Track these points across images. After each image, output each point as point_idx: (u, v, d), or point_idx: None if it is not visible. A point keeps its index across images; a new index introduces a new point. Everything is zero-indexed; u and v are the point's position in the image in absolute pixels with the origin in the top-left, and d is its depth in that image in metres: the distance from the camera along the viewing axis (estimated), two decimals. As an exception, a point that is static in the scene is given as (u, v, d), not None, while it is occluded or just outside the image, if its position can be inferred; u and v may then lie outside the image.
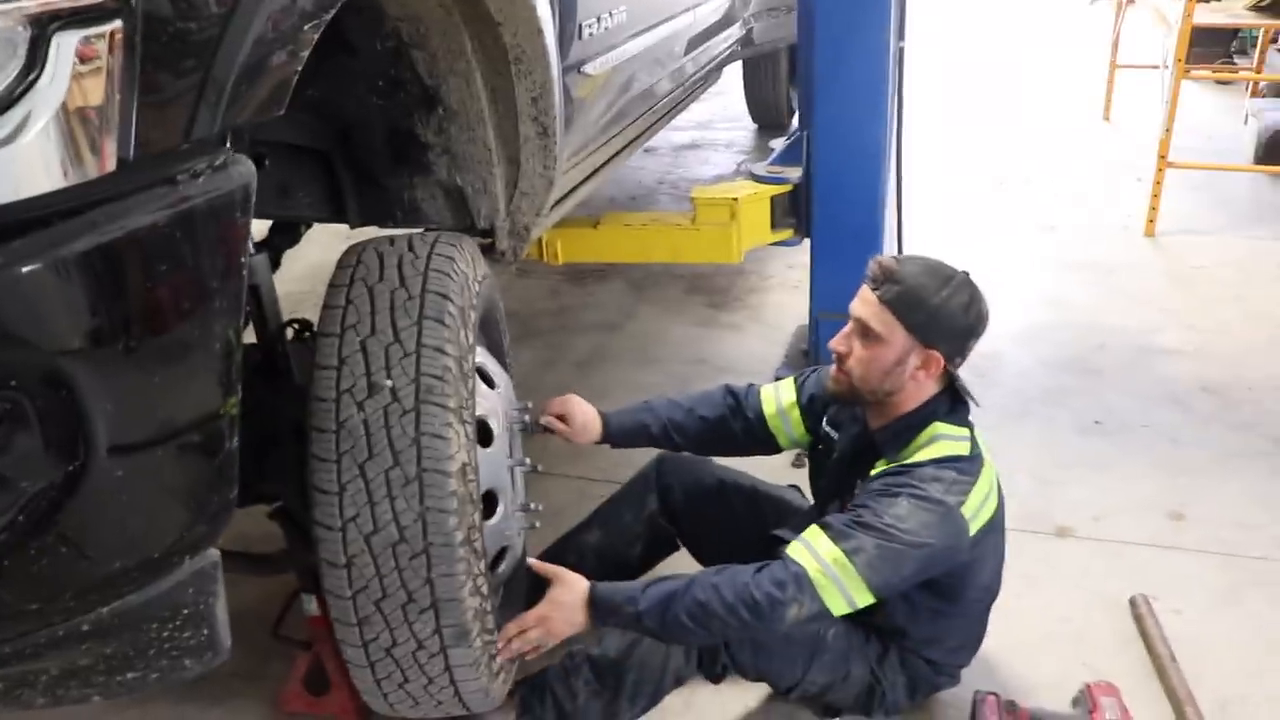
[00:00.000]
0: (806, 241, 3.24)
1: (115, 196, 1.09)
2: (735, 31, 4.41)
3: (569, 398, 2.22)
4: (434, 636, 1.63)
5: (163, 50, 1.09)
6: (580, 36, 2.35)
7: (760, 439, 2.25)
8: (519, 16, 1.93)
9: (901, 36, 3.25)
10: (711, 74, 4.47)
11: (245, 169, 1.23)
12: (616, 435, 2.23)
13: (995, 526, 1.95)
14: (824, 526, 1.84)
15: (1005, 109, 7.46)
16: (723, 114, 6.93)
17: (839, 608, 1.80)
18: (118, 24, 1.04)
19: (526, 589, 2.01)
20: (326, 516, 1.59)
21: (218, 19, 1.14)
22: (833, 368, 2.00)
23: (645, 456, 2.38)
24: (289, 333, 1.99)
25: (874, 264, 1.90)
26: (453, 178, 2.21)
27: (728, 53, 4.46)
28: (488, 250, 2.47)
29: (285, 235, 2.60)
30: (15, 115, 1.00)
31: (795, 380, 2.26)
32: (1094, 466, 3.03)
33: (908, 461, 1.90)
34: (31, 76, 1.00)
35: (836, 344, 1.96)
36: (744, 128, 6.60)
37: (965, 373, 1.97)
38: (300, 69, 1.28)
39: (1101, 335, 3.87)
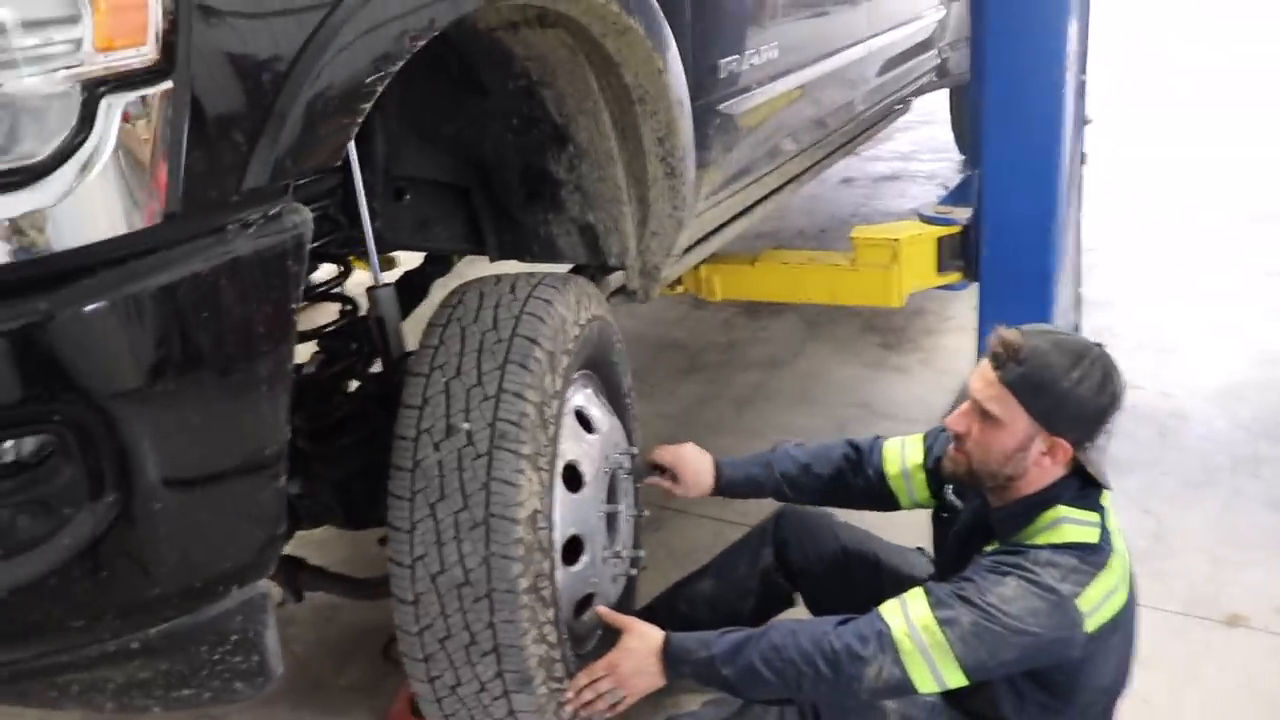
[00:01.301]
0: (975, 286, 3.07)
1: (162, 246, 1.15)
2: (927, 61, 4.25)
3: (681, 447, 2.17)
4: (496, 680, 1.64)
5: (213, 111, 1.15)
6: (718, 75, 2.32)
7: (880, 497, 2.13)
8: (637, 57, 1.93)
9: (1083, 70, 3.02)
10: (897, 106, 4.33)
11: (299, 218, 1.27)
12: (728, 488, 2.17)
13: (1120, 625, 1.75)
14: (926, 591, 1.73)
15: (1250, 130, 6.84)
16: (928, 144, 6.68)
17: (924, 682, 1.67)
18: (167, 86, 1.11)
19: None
20: (398, 553, 1.62)
21: (269, 83, 1.19)
22: (951, 446, 1.86)
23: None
24: None
25: (995, 338, 1.74)
26: (585, 215, 2.23)
27: (919, 83, 4.30)
28: (622, 289, 2.49)
29: (437, 265, 2.71)
30: (67, 171, 1.08)
31: (925, 438, 2.12)
32: (1282, 549, 2.69)
33: (1025, 543, 1.75)
34: (81, 136, 1.07)
35: (954, 423, 1.82)
36: (949, 159, 6.33)
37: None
38: (359, 122, 1.32)
39: (1318, 401, 3.44)
